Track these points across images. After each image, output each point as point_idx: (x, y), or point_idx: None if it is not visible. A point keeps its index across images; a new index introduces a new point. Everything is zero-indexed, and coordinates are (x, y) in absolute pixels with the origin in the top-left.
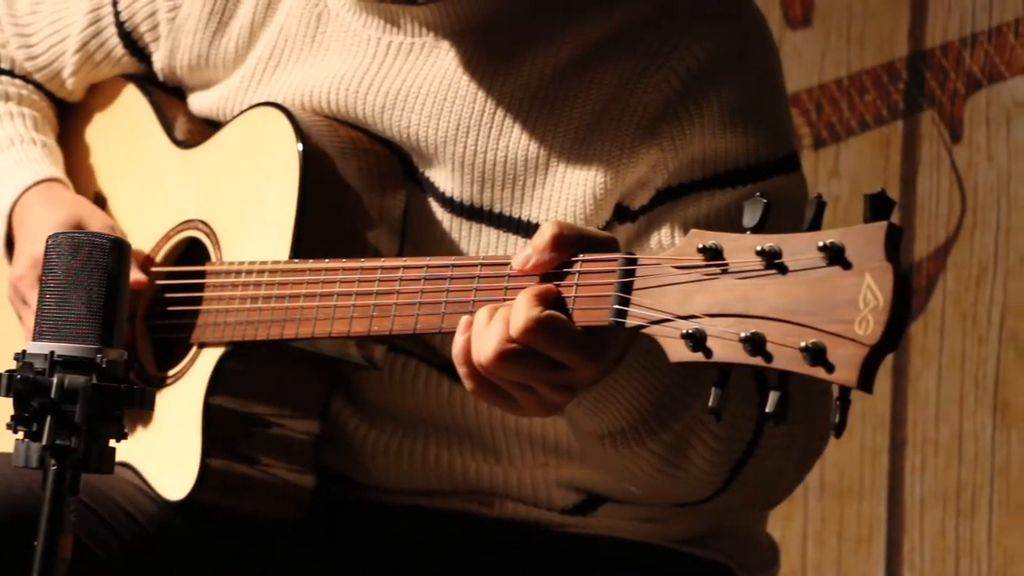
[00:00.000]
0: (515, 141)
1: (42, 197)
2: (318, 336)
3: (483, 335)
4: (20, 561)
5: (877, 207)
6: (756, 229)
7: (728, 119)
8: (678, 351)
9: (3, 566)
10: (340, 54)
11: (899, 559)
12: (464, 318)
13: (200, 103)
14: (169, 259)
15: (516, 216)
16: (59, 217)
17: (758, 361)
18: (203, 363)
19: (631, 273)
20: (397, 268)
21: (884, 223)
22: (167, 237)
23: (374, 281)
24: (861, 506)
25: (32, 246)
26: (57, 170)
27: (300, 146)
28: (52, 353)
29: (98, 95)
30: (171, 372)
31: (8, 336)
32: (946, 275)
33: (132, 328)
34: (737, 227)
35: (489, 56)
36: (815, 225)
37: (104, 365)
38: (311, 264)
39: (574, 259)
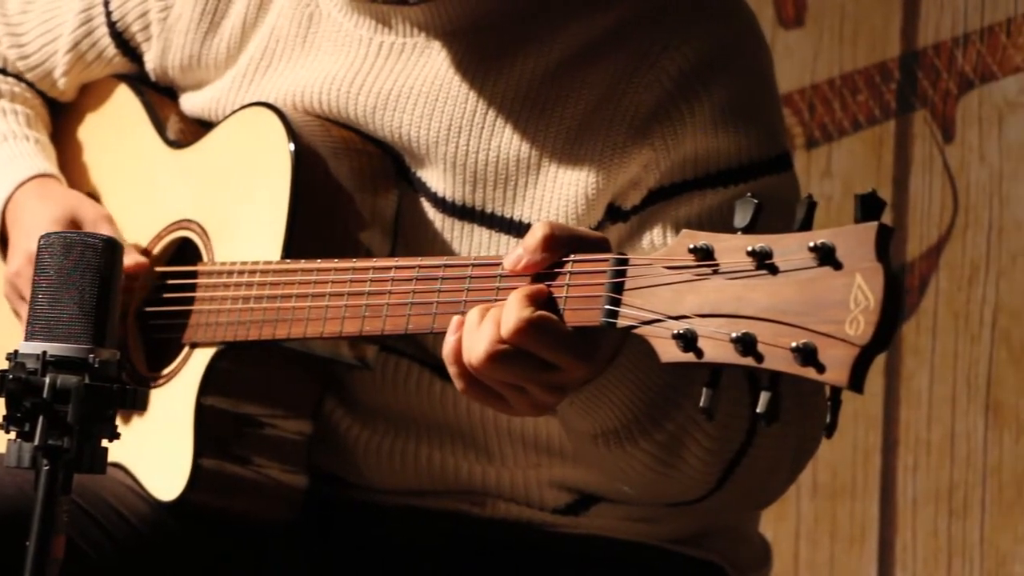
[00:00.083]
0: (507, 141)
1: (36, 192)
2: (310, 336)
3: (474, 335)
4: (12, 561)
5: (868, 207)
6: (747, 229)
7: (720, 119)
8: (669, 351)
9: None
10: (332, 54)
11: (891, 559)
12: (455, 318)
13: (192, 103)
14: (161, 259)
15: (508, 216)
16: (54, 212)
17: (749, 361)
18: (195, 363)
19: (622, 273)
20: (389, 268)
21: (875, 223)
22: (159, 237)
23: (366, 281)
24: (854, 506)
25: (28, 242)
26: (50, 165)
27: (292, 146)
28: (44, 353)
29: (90, 95)
30: (163, 372)
31: (5, 333)
32: (938, 275)
33: (124, 328)
34: (729, 227)
35: (481, 56)
36: (806, 225)
37: (96, 365)
38: (303, 264)
39: (565, 259)
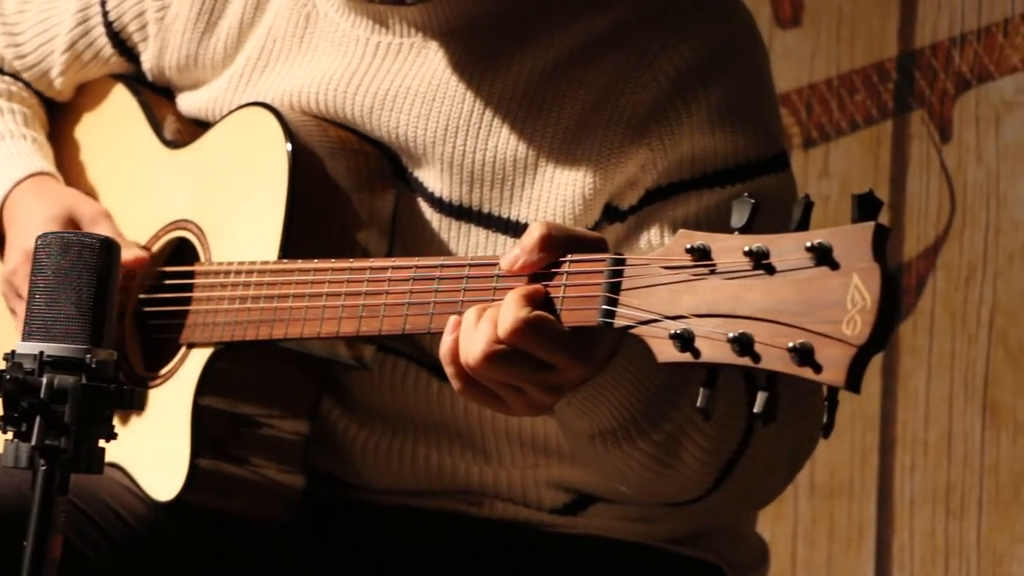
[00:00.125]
0: (504, 141)
1: (33, 191)
2: (307, 336)
3: (471, 335)
4: (10, 561)
5: (865, 207)
6: (744, 229)
7: (717, 119)
8: (666, 351)
9: None
10: (329, 54)
11: (889, 559)
12: (452, 318)
13: (189, 103)
14: (159, 259)
15: (505, 216)
16: (51, 210)
17: (746, 361)
18: (192, 363)
19: (619, 273)
20: (386, 268)
21: (871, 223)
22: (156, 237)
23: (363, 281)
24: (851, 506)
25: (25, 240)
26: (47, 164)
27: (289, 146)
28: (42, 353)
29: (87, 95)
30: (160, 372)
31: (2, 332)
32: (935, 275)
33: (121, 328)
34: (726, 227)
35: (478, 56)
36: (803, 225)
37: (94, 365)
38: (300, 264)
39: (562, 259)
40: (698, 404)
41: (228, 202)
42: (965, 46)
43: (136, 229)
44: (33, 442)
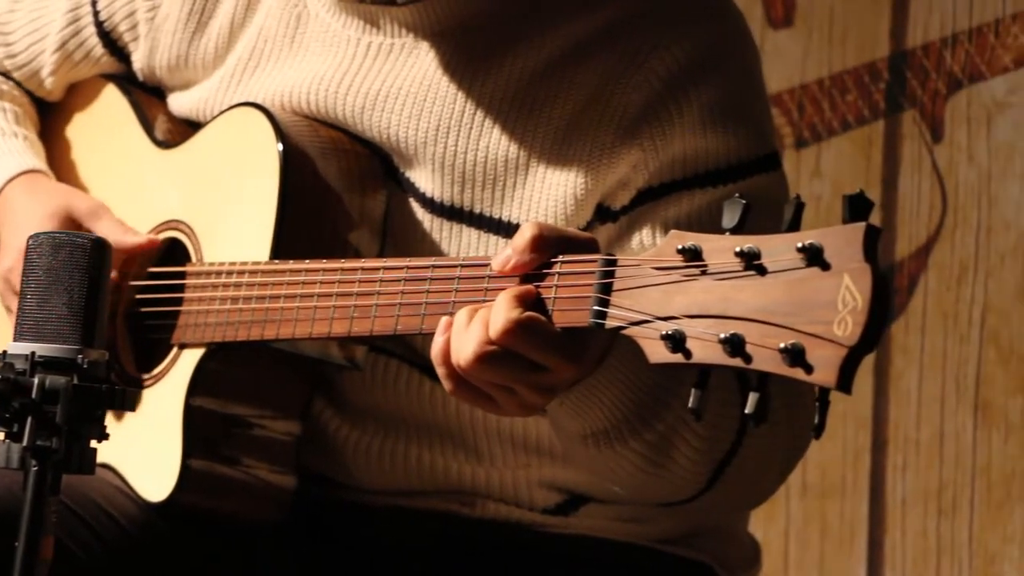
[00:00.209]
0: (495, 141)
1: (26, 188)
2: (299, 337)
3: (462, 336)
4: (1, 562)
5: (856, 208)
6: (735, 230)
7: (708, 119)
8: (658, 352)
9: None
10: (320, 55)
11: (881, 558)
12: (444, 319)
13: (180, 103)
14: (150, 259)
15: (496, 217)
16: (47, 207)
17: (737, 362)
18: (184, 364)
19: (611, 274)
20: (377, 269)
21: (862, 224)
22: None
23: (355, 282)
24: (843, 506)
25: (20, 238)
26: (39, 162)
27: (280, 146)
28: (33, 354)
29: (78, 95)
30: (152, 373)
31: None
32: (927, 275)
33: (113, 328)
34: (718, 227)
35: (469, 57)
36: (794, 226)
37: (85, 366)
38: (292, 265)
39: (554, 260)
40: (690, 405)
41: (219, 202)
42: (957, 46)
43: None
44: (24, 443)
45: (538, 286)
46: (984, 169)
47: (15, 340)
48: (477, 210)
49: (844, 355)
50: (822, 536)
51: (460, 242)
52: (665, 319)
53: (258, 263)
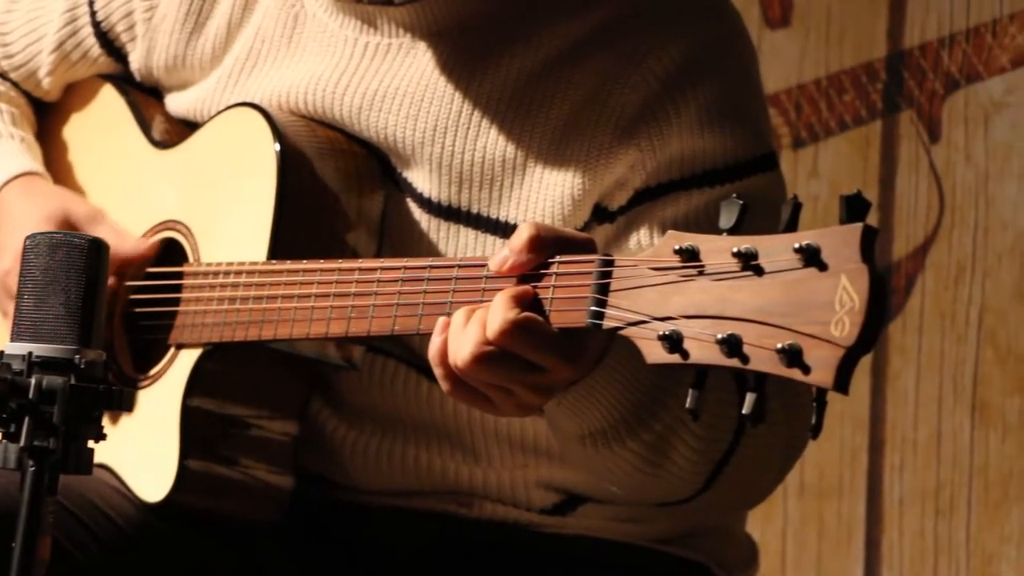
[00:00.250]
0: (492, 142)
1: (23, 191)
2: (296, 337)
3: (460, 337)
4: None
5: (853, 208)
6: (733, 230)
7: (706, 119)
8: (655, 353)
9: None
10: (317, 55)
11: (878, 558)
12: (441, 319)
13: (177, 104)
14: (148, 260)
15: (494, 217)
16: (44, 210)
17: (735, 363)
18: (181, 364)
19: (608, 275)
20: (375, 269)
21: (859, 224)
22: (145, 238)
23: (352, 282)
24: (840, 506)
25: (17, 241)
26: (36, 164)
27: (277, 146)
28: (30, 354)
29: (75, 95)
30: (149, 373)
31: None
32: (924, 275)
33: (110, 329)
34: (715, 228)
35: (466, 57)
36: (791, 226)
37: (82, 366)
38: (289, 265)
39: (551, 260)
40: (687, 405)
41: (217, 203)
42: (954, 46)
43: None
44: (22, 443)
45: (535, 286)
46: (981, 169)
47: (12, 340)
48: (474, 210)
49: (841, 355)
50: (819, 536)
51: (457, 242)
52: (662, 319)
53: (255, 263)
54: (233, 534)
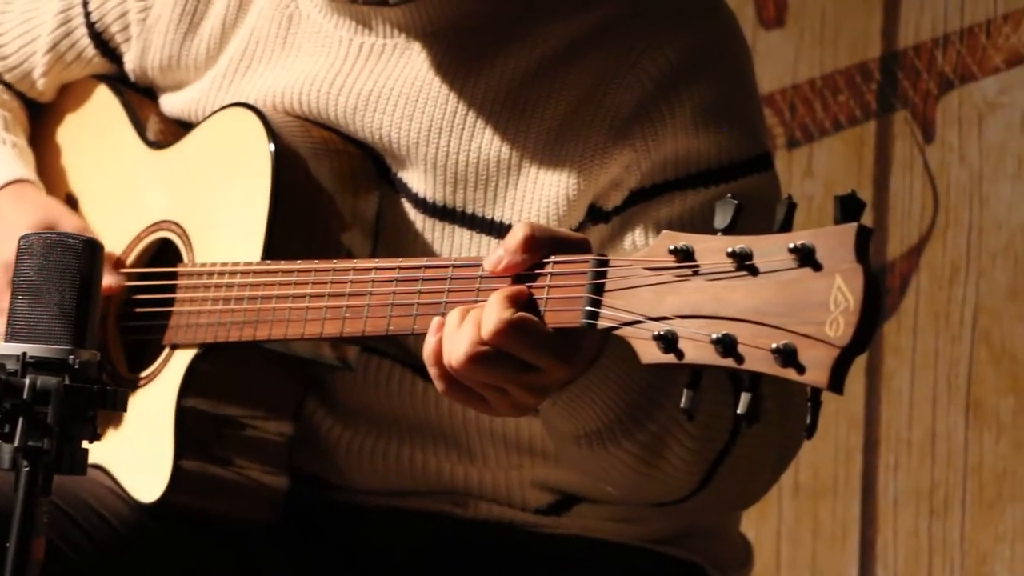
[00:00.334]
0: (487, 142)
1: (13, 198)
2: (291, 337)
3: (454, 337)
4: None
5: (847, 208)
6: (727, 230)
7: (700, 119)
8: (650, 352)
9: None
10: (312, 55)
11: (873, 558)
12: (436, 319)
13: (172, 104)
14: (141, 260)
15: (489, 217)
16: (31, 219)
17: (729, 363)
18: (175, 365)
19: (603, 275)
20: (369, 269)
21: (854, 224)
22: (139, 238)
23: (346, 282)
24: (835, 505)
25: (5, 249)
26: (28, 171)
27: (272, 147)
28: (24, 354)
29: (69, 95)
30: (143, 374)
31: None
32: (919, 275)
33: (104, 329)
34: (710, 228)
35: (461, 57)
36: (786, 226)
37: (77, 366)
38: (283, 265)
39: (546, 260)
40: (682, 405)
41: (211, 203)
42: (948, 47)
43: (119, 230)
44: (16, 443)
45: (530, 286)
46: (975, 169)
47: (6, 341)
48: (469, 211)
49: (836, 355)
50: (814, 536)
51: (452, 243)
52: (657, 319)
53: (250, 264)
54: (228, 534)
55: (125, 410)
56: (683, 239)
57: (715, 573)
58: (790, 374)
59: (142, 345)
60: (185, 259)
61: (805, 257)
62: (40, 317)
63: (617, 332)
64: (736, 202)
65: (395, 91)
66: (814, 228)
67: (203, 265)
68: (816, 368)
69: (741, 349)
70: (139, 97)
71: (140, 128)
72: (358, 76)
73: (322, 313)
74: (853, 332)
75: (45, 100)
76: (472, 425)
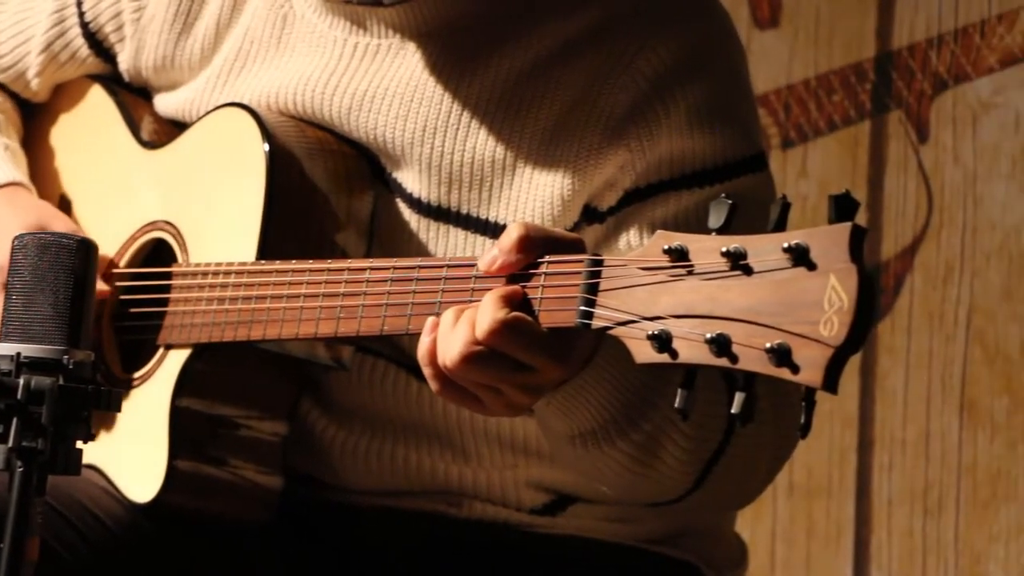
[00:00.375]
0: (482, 142)
1: (4, 201)
2: (285, 337)
3: (449, 337)
4: None
5: (841, 208)
6: (722, 230)
7: (695, 119)
8: (644, 352)
9: None
10: (306, 55)
11: (867, 557)
12: (430, 319)
13: (166, 104)
14: (135, 261)
15: (483, 217)
16: (23, 222)
17: (724, 362)
18: (170, 365)
19: (597, 274)
20: (364, 269)
21: (848, 224)
22: (133, 239)
23: (341, 282)
24: (829, 505)
25: None
26: (20, 174)
27: (266, 147)
28: (18, 354)
29: (64, 95)
30: (138, 374)
31: None
32: (913, 275)
33: (98, 330)
34: (704, 228)
35: (456, 57)
36: (780, 226)
37: (71, 366)
38: (278, 265)
39: (540, 260)
40: (676, 404)
41: (205, 203)
42: (942, 47)
43: (113, 230)
44: (10, 443)
45: (524, 286)
46: (970, 169)
47: (0, 341)
48: (464, 211)
49: (830, 355)
50: (808, 536)
51: (447, 243)
52: (651, 319)
53: (244, 263)
54: (222, 534)
55: (119, 410)
56: (677, 239)
57: (710, 573)
58: (784, 374)
59: (137, 345)
60: (179, 259)
61: (799, 257)
62: (34, 317)
63: (611, 332)
64: (730, 202)
65: (390, 91)
66: (808, 228)
67: (197, 265)
68: (810, 368)
69: (735, 349)
70: (133, 97)
71: (134, 128)
72: (353, 76)
73: (316, 313)
74: (847, 332)
75: (39, 100)
76: (467, 425)
